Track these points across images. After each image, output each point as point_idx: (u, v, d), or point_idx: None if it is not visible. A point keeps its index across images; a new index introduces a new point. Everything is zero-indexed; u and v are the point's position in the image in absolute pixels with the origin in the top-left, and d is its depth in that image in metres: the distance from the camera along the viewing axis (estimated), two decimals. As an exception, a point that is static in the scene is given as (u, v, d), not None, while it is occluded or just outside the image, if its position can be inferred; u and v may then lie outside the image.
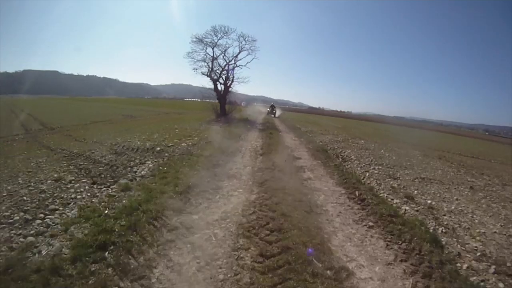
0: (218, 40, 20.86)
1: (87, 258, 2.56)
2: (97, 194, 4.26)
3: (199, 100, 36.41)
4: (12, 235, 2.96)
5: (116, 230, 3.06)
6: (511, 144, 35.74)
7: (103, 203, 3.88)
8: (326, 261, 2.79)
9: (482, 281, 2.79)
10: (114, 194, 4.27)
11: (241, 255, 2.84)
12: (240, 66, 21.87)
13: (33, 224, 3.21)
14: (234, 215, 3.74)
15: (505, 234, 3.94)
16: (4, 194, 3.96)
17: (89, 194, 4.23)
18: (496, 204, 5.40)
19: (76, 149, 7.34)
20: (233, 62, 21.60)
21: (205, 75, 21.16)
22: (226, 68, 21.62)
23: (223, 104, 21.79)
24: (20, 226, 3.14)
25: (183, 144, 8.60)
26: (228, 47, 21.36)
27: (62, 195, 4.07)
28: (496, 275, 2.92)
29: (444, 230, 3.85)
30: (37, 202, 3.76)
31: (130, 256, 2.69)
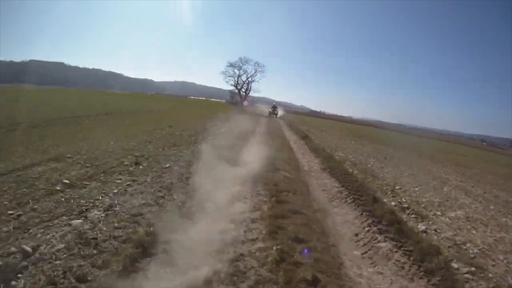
0: (242, 65, 36.94)
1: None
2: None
3: (223, 100, 51.46)
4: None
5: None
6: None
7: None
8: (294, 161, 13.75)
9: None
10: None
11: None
12: (255, 81, 37.66)
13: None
14: (263, 130, 14.91)
15: None
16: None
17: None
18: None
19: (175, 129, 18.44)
20: (250, 79, 37.24)
21: (233, 86, 34.84)
22: (246, 82, 35.39)
23: (241, 104, 34.63)
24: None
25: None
26: (248, 70, 37.57)
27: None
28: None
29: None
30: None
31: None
